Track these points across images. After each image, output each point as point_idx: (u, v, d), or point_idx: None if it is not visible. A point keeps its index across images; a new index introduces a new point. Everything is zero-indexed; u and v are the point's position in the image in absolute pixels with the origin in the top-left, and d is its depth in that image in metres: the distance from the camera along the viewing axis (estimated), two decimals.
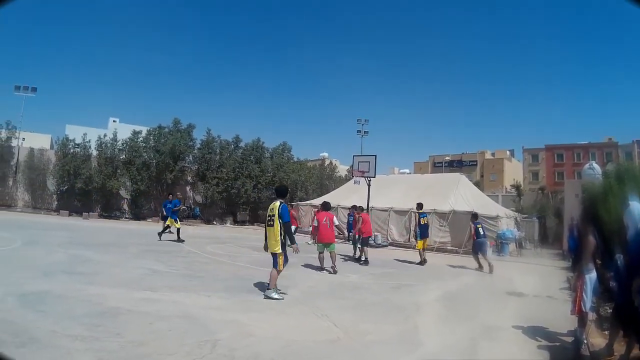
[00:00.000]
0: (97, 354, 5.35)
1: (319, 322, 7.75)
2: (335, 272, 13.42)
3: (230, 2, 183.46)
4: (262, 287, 10.20)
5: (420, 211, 18.10)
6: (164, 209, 20.79)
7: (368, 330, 7.41)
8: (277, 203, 9.91)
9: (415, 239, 18.41)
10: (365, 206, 24.16)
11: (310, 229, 22.56)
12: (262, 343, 6.32)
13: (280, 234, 9.51)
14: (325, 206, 15.12)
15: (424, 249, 17.03)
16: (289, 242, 9.67)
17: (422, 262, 16.48)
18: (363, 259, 16.34)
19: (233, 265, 13.90)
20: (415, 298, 10.58)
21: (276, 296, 9.26)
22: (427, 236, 16.79)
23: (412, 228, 23.85)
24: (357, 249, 17.22)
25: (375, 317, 8.45)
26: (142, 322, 6.85)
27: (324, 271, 13.63)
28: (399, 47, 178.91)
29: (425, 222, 17.36)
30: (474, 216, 18.02)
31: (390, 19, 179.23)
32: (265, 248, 9.86)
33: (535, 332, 7.78)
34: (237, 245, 19.87)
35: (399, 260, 17.55)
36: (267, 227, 9.90)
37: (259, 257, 16.04)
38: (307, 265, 14.62)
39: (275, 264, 9.52)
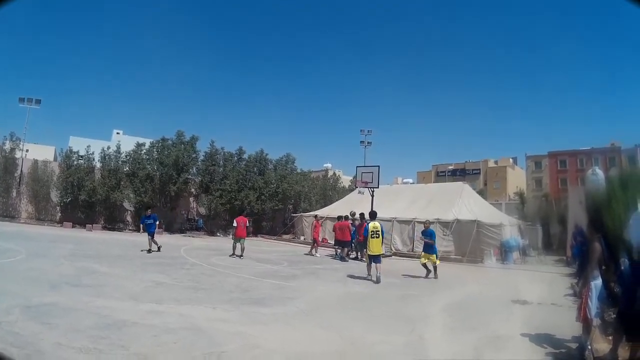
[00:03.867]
0: None
1: (325, 334, 7.71)
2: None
3: (234, 14, 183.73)
4: (267, 298, 10.31)
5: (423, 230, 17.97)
6: (143, 224, 20.29)
7: (375, 341, 7.37)
8: (377, 224, 15.02)
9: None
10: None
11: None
12: (268, 355, 6.31)
13: (382, 243, 15.19)
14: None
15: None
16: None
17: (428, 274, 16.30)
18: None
19: (237, 277, 13.82)
20: (421, 308, 10.57)
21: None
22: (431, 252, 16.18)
23: (416, 237, 23.97)
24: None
25: (381, 327, 8.39)
26: (148, 335, 6.82)
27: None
28: (401, 57, 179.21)
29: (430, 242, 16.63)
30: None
31: (392, 30, 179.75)
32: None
33: (540, 339, 7.73)
34: (241, 257, 19.77)
35: (404, 274, 17.44)
36: (374, 239, 14.66)
37: (263, 268, 16.19)
38: (312, 277, 14.59)
39: (379, 261, 14.60)
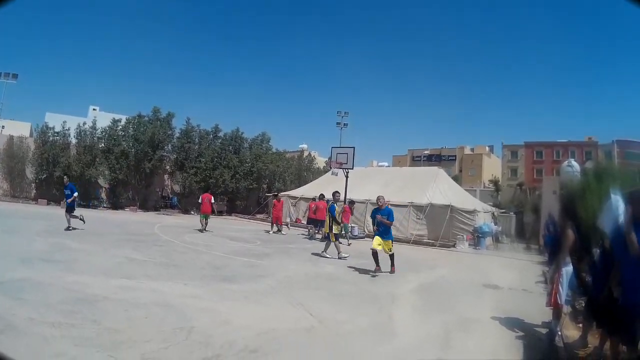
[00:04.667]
0: (74, 341, 5.41)
1: (294, 312, 7.86)
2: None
3: None
4: (239, 276, 10.51)
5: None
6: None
7: (344, 320, 7.54)
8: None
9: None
10: (342, 198, 24.39)
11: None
12: (237, 331, 6.42)
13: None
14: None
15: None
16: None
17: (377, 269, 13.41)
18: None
19: (209, 255, 13.92)
20: (391, 289, 10.67)
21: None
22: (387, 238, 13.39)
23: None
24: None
25: (350, 307, 8.57)
26: (119, 310, 6.91)
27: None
28: (381, 42, 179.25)
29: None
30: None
31: (373, 14, 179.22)
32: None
33: (510, 323, 7.95)
34: (214, 235, 19.87)
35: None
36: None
37: (235, 246, 16.32)
38: (283, 256, 14.76)
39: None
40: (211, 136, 39.62)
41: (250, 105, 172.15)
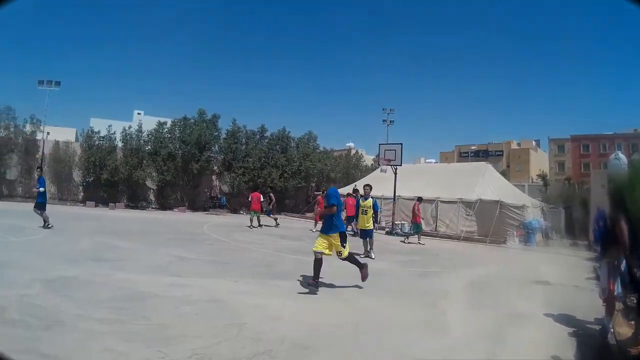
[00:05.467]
0: (122, 337, 5.39)
1: (344, 307, 7.76)
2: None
3: None
4: (288, 273, 10.44)
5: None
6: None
7: (393, 316, 7.38)
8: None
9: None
10: (392, 195, 24.23)
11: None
12: (288, 327, 6.34)
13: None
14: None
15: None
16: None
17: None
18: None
19: (259, 252, 13.94)
20: (442, 285, 10.51)
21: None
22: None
23: (439, 216, 24.57)
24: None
25: (401, 303, 8.40)
26: (169, 306, 6.90)
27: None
28: (424, 37, 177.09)
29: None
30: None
31: (416, 9, 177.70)
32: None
33: (562, 319, 7.64)
34: (264, 233, 19.92)
35: (425, 252, 17.33)
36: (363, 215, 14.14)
37: (284, 244, 16.33)
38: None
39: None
40: (258, 136, 40.00)
41: (295, 105, 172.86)
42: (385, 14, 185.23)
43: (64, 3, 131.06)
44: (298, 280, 9.83)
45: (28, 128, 34.39)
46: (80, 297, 7.04)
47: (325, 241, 8.90)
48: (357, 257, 9.87)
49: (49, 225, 15.84)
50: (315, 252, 8.83)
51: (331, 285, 9.48)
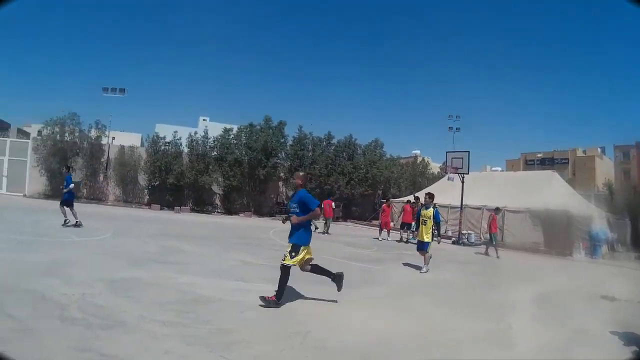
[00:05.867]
0: (185, 340, 5.33)
1: (409, 318, 7.65)
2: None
3: (318, 2, 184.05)
4: (354, 281, 10.12)
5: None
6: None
7: (459, 328, 7.23)
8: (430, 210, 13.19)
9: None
10: (459, 203, 24.03)
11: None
12: (354, 336, 6.23)
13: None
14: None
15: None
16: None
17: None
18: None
19: (326, 260, 13.70)
20: (507, 297, 10.37)
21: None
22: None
23: (505, 226, 24.07)
24: None
25: (466, 315, 8.23)
26: (233, 311, 6.85)
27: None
28: (489, 42, 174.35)
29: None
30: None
31: (477, 18, 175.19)
32: None
33: (629, 338, 7.23)
34: (329, 240, 19.81)
35: (493, 263, 16.91)
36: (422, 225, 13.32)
37: (351, 252, 16.27)
38: (398, 261, 14.35)
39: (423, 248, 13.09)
40: (324, 143, 40.01)
41: (360, 112, 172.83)
42: (451, 20, 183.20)
43: (129, 14, 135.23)
44: (364, 288, 9.72)
45: (93, 133, 35.59)
46: (143, 298, 7.05)
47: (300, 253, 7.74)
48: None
49: (68, 223, 15.76)
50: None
51: (398, 296, 9.37)
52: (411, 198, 23.91)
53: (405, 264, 14.32)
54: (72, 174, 17.37)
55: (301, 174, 8.47)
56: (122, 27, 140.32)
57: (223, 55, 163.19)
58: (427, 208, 13.56)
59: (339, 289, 8.02)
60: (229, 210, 35.14)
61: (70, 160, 32.09)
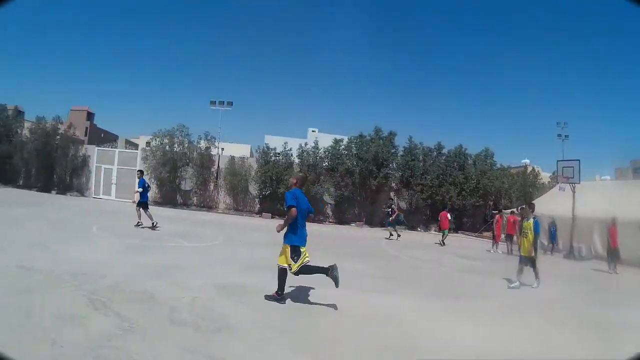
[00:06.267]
0: (293, 347, 5.36)
1: (524, 335, 7.25)
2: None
3: (425, 12, 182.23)
4: (464, 294, 10.05)
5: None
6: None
7: (580, 350, 6.65)
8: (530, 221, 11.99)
9: None
10: (570, 214, 22.93)
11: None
12: (465, 353, 5.98)
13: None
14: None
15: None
16: None
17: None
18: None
19: (437, 271, 13.67)
20: (621, 317, 9.34)
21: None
22: None
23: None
24: None
25: (589, 336, 7.52)
26: (345, 322, 6.82)
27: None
28: (596, 46, 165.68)
29: None
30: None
31: (578, 22, 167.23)
32: None
33: None
34: (443, 251, 19.51)
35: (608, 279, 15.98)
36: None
37: (463, 263, 15.98)
38: (512, 275, 13.80)
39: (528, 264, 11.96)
40: (435, 153, 39.38)
41: (469, 121, 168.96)
42: (557, 24, 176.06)
43: (238, 26, 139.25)
44: (477, 302, 9.44)
45: (202, 144, 37.05)
46: (254, 304, 7.18)
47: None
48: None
49: (141, 225, 16.39)
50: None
51: (510, 311, 8.93)
52: (515, 210, 23.02)
53: (521, 277, 13.59)
54: (144, 178, 18.07)
55: (300, 174, 8.73)
56: (230, 43, 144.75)
57: (333, 66, 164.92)
58: (527, 220, 12.81)
59: (336, 285, 7.73)
60: (341, 220, 35.42)
61: (181, 170, 34.02)
